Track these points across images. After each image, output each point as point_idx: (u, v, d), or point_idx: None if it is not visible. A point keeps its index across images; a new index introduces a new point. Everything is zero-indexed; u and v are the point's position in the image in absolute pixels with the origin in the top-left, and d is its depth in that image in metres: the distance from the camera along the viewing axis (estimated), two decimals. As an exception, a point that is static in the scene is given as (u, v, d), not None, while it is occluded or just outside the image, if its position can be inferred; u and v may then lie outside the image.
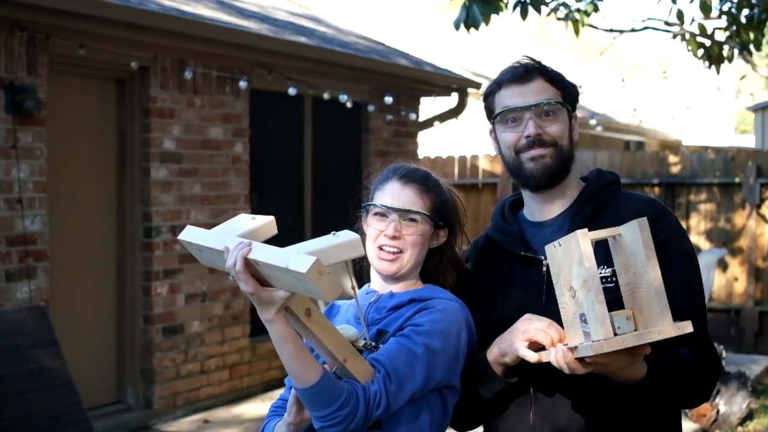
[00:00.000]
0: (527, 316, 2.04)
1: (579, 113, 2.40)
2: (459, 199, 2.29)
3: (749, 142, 24.55)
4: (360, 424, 1.95)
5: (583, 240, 1.84)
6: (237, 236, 1.93)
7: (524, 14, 6.10)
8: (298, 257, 1.76)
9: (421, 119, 9.41)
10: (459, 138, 12.62)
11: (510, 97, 2.24)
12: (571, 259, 1.87)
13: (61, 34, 5.64)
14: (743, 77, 10.52)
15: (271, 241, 1.95)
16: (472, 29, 5.45)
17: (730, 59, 7.34)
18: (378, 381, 1.97)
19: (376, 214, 2.17)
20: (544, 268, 2.19)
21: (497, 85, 2.28)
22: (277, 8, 9.47)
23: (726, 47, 7.28)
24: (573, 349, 1.86)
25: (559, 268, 1.92)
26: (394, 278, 2.17)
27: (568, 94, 2.27)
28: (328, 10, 12.95)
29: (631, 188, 10.24)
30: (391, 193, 2.16)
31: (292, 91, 7.18)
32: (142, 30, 5.96)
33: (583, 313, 1.84)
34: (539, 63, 2.30)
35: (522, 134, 2.21)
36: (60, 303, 5.83)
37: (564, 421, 2.13)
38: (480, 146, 11.99)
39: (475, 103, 11.16)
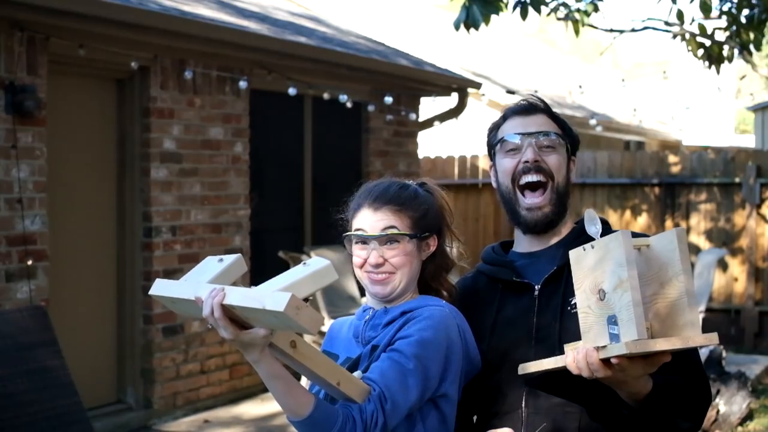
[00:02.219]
0: None
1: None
2: (442, 197, 2.23)
3: (749, 142, 24.54)
4: None
5: (625, 240, 1.83)
6: (207, 282, 1.90)
7: (524, 14, 6.10)
8: (273, 296, 1.73)
9: (421, 119, 9.41)
10: (459, 138, 12.62)
11: (512, 128, 2.27)
12: (605, 260, 1.86)
13: (61, 34, 5.64)
14: (743, 77, 10.52)
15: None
16: (472, 29, 5.45)
17: (730, 59, 7.34)
18: (373, 400, 1.94)
19: (357, 242, 2.13)
20: (536, 293, 2.20)
21: (502, 119, 2.32)
22: (277, 8, 9.47)
23: (726, 47, 7.28)
24: (598, 349, 1.86)
25: (587, 272, 1.91)
26: (390, 300, 2.13)
27: (568, 135, 2.31)
28: (328, 10, 12.95)
29: (631, 188, 10.25)
30: (366, 220, 2.11)
31: (292, 91, 7.18)
32: (142, 30, 5.96)
33: (613, 315, 1.83)
34: (544, 103, 2.35)
35: (520, 160, 2.23)
36: (60, 303, 5.83)
37: None
38: (480, 146, 11.98)
39: (475, 103, 11.15)
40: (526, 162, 2.21)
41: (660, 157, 10.36)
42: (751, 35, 7.07)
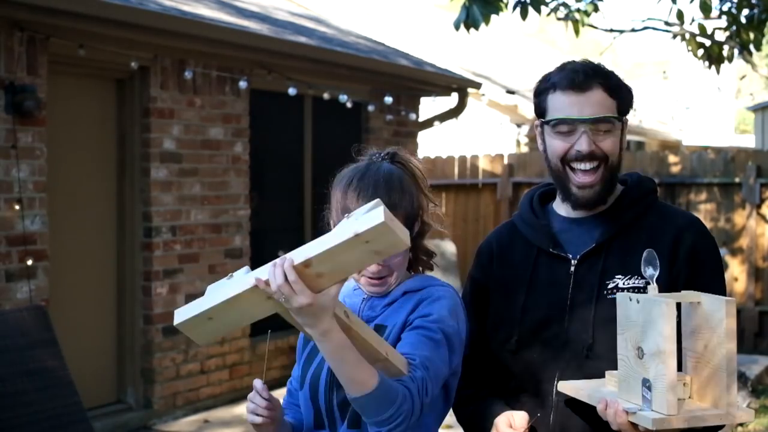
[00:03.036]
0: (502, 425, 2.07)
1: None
2: (415, 166, 2.14)
3: (749, 142, 24.55)
4: (417, 417, 1.91)
5: (669, 311, 1.78)
6: (241, 279, 1.85)
7: (524, 14, 6.10)
8: (362, 218, 1.70)
9: (421, 119, 9.41)
10: (459, 138, 12.62)
11: (566, 106, 2.12)
12: (647, 322, 1.82)
13: (61, 34, 5.64)
14: (743, 77, 10.54)
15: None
16: (472, 29, 5.45)
17: (730, 59, 7.34)
18: (419, 367, 1.93)
19: None
20: (572, 268, 2.15)
21: (553, 86, 2.15)
22: (277, 8, 9.48)
23: (726, 47, 7.28)
24: (628, 413, 1.84)
25: (629, 323, 1.87)
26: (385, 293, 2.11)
27: (623, 102, 2.17)
28: (328, 10, 12.95)
29: (631, 188, 10.24)
30: None
31: (292, 91, 7.18)
32: (142, 30, 5.96)
33: (647, 379, 1.82)
34: (599, 69, 2.17)
35: (572, 146, 2.13)
36: (60, 303, 5.83)
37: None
38: (480, 146, 11.98)
39: (475, 103, 11.16)
40: (579, 151, 2.12)
41: (660, 157, 10.36)
42: (751, 35, 7.07)
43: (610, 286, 2.10)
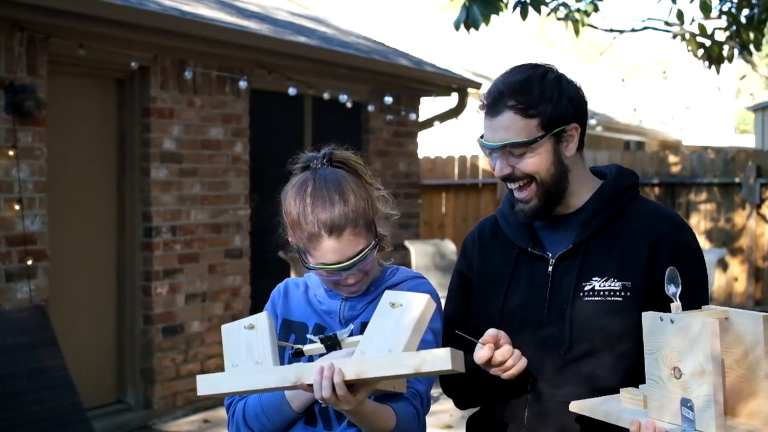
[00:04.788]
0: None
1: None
2: (356, 162, 2.14)
3: (749, 142, 24.56)
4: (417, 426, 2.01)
5: (713, 331, 1.72)
6: (272, 363, 1.86)
7: (524, 14, 6.10)
8: (427, 357, 1.72)
9: (421, 119, 9.41)
10: (459, 138, 12.62)
11: (485, 128, 2.13)
12: (686, 341, 1.76)
13: (61, 34, 5.64)
14: (743, 77, 10.53)
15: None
16: (472, 29, 5.45)
17: (730, 59, 7.34)
18: (420, 381, 2.00)
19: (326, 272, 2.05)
20: (550, 268, 2.13)
21: (480, 105, 2.16)
22: (277, 8, 9.48)
23: (726, 47, 7.28)
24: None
25: (662, 342, 1.81)
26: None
27: (550, 116, 2.06)
28: (328, 10, 12.95)
29: (631, 188, 10.25)
30: (331, 252, 1.99)
31: (292, 91, 7.18)
32: (142, 30, 5.96)
33: (688, 399, 1.76)
34: (513, 87, 2.08)
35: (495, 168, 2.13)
36: (60, 303, 5.83)
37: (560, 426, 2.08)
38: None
39: (475, 103, 11.14)
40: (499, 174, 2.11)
41: (660, 157, 10.37)
42: (751, 35, 7.08)
43: (586, 288, 2.08)
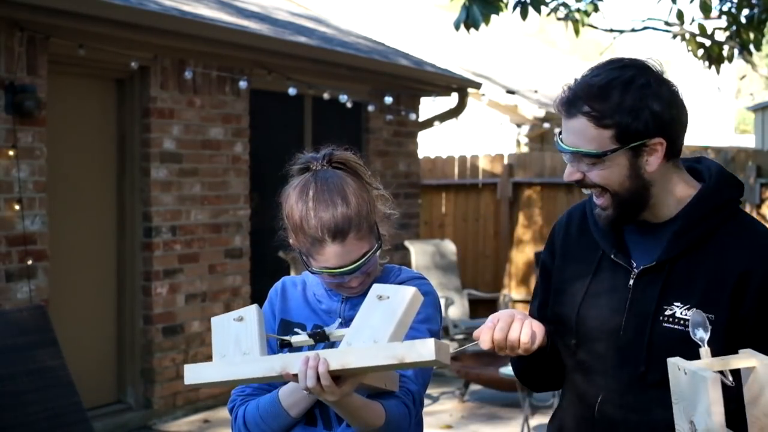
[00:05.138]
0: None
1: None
2: (356, 162, 2.11)
3: (749, 142, 24.55)
4: (409, 426, 2.00)
5: (714, 388, 1.60)
6: (258, 354, 1.86)
7: (524, 14, 6.10)
8: (410, 347, 1.71)
9: (421, 119, 9.41)
10: (459, 138, 12.62)
11: (562, 126, 1.92)
12: (696, 397, 1.65)
13: (61, 34, 5.64)
14: (743, 77, 10.55)
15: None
16: (472, 29, 5.45)
17: (730, 59, 7.34)
18: (413, 381, 2.00)
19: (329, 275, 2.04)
20: (632, 281, 1.94)
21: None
22: (277, 8, 9.48)
23: (726, 47, 7.28)
24: None
25: (682, 394, 1.71)
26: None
27: (628, 129, 1.84)
28: (328, 10, 12.95)
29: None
30: (335, 256, 1.98)
31: (292, 91, 7.18)
32: (142, 30, 5.96)
33: None
34: (591, 90, 1.87)
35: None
36: (60, 303, 5.83)
37: None
38: (480, 146, 11.98)
39: (475, 103, 11.16)
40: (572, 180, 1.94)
41: (660, 157, 10.35)
42: (751, 35, 7.08)
43: (667, 313, 1.91)
